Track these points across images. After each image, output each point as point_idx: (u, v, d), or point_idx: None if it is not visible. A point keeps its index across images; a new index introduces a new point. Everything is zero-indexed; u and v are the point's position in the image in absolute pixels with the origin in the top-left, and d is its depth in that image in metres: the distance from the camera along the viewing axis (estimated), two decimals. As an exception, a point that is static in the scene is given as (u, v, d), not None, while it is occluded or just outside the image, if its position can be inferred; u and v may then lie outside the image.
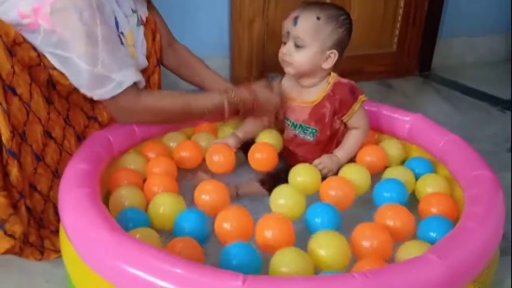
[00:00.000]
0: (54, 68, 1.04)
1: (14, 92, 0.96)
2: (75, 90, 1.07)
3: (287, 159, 1.25)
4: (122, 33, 1.13)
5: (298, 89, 1.23)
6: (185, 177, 1.20)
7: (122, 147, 1.18)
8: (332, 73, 1.19)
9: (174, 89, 1.56)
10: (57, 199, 0.97)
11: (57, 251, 1.02)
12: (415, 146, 1.28)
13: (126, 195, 1.03)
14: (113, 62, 1.04)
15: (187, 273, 0.74)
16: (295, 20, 1.13)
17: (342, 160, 1.19)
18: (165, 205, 1.01)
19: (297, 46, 1.14)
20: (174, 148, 1.25)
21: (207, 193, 1.05)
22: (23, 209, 0.98)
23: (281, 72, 1.23)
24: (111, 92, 1.06)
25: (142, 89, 1.14)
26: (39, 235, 1.03)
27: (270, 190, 1.09)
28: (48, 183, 1.06)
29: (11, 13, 0.99)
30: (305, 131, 1.22)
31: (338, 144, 1.22)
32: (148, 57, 1.26)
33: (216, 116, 1.19)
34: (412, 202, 1.10)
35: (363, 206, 1.11)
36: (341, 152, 1.19)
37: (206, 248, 0.92)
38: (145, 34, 1.24)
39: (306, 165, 1.15)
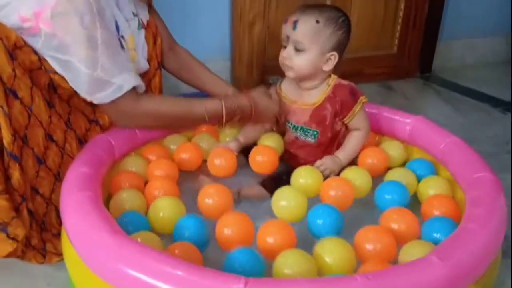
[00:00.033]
0: (55, 72, 1.04)
1: (16, 96, 0.97)
2: (76, 93, 1.07)
3: (289, 162, 1.25)
4: (122, 37, 1.13)
5: (298, 92, 1.22)
6: (187, 180, 1.19)
7: (123, 150, 1.18)
8: (333, 75, 1.19)
9: (175, 92, 1.56)
10: (59, 202, 0.97)
11: (59, 254, 1.02)
12: (416, 148, 1.28)
13: (127, 198, 1.03)
14: (113, 66, 1.04)
15: (189, 276, 0.74)
16: (294, 24, 1.13)
17: (344, 162, 1.19)
18: (165, 209, 1.00)
19: (297, 50, 1.14)
20: (174, 150, 1.25)
21: (211, 196, 1.05)
22: (25, 212, 0.98)
23: (281, 75, 1.23)
24: (111, 96, 1.06)
25: (143, 93, 1.14)
26: (41, 238, 1.03)
27: (271, 192, 1.09)
28: (50, 186, 1.06)
29: (12, 17, 0.99)
30: (306, 133, 1.22)
31: (339, 145, 1.22)
32: (149, 61, 1.26)
33: (214, 122, 1.19)
34: (413, 204, 1.10)
35: (365, 209, 1.11)
36: (342, 154, 1.19)
37: (206, 254, 0.92)
38: (146, 38, 1.24)
39: (308, 167, 1.15)
